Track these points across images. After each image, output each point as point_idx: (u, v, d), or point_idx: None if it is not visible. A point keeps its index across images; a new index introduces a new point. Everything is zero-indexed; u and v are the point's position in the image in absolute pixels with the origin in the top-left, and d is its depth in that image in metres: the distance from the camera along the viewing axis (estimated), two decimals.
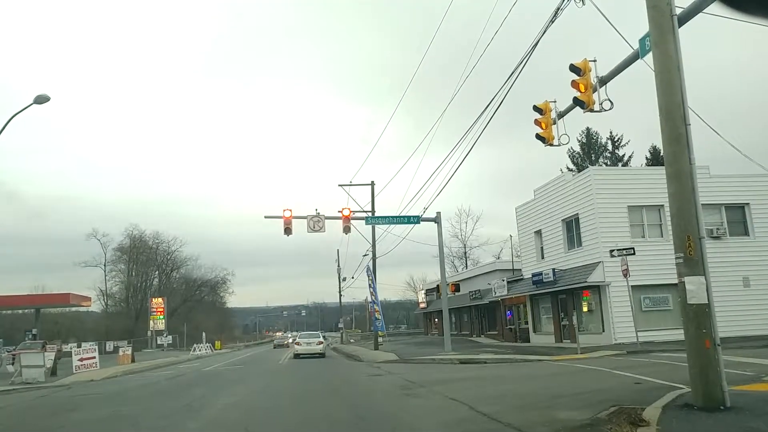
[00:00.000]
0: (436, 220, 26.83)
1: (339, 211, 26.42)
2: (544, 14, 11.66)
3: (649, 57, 8.38)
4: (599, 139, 52.74)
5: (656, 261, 22.56)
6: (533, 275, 30.30)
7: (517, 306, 35.27)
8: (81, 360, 26.73)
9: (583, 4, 10.53)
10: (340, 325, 71.25)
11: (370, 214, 32.10)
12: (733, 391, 7.63)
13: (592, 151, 52.60)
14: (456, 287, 31.80)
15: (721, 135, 11.54)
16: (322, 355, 31.68)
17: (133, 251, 77.28)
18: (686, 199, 7.69)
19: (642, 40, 8.94)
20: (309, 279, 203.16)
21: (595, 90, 10.87)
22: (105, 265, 75.16)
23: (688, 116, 7.83)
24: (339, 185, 33.96)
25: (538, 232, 31.79)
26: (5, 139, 36.34)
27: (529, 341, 31.82)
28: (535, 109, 12.78)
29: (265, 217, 26.46)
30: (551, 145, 12.56)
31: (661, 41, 8.00)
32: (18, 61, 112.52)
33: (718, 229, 25.51)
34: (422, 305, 65.15)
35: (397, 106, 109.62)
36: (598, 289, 25.47)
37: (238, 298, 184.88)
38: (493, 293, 36.25)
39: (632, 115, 79.57)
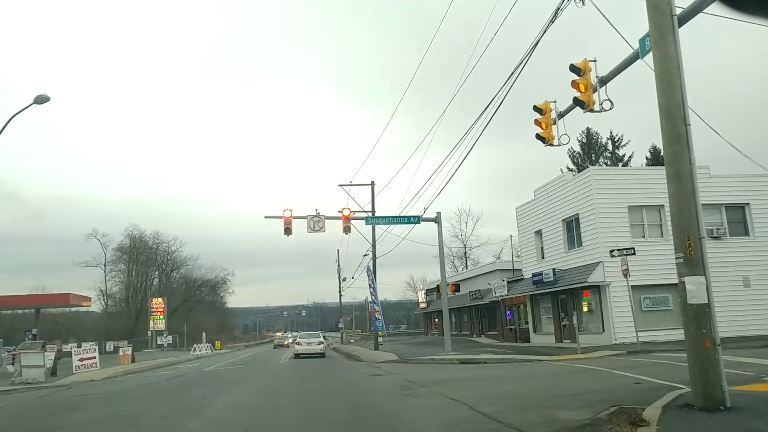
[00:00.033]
0: (436, 220, 26.83)
1: (339, 211, 26.44)
2: (544, 14, 11.67)
3: (649, 57, 8.38)
4: (599, 139, 52.77)
5: (656, 261, 22.56)
6: (533, 275, 30.30)
7: (517, 306, 35.27)
8: (81, 360, 26.74)
9: (583, 4, 10.53)
10: (340, 325, 71.25)
11: (370, 214, 32.10)
12: (733, 391, 7.63)
13: (592, 151, 52.60)
14: (456, 287, 31.79)
15: (721, 135, 11.55)
16: (322, 355, 31.74)
17: (133, 251, 77.31)
18: (686, 199, 7.69)
19: (642, 40, 8.94)
20: (309, 279, 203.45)
21: (595, 90, 10.87)
22: (105, 265, 75.31)
23: (688, 116, 7.83)
24: (339, 185, 34.01)
25: (539, 232, 31.79)
26: (5, 139, 36.35)
27: (529, 341, 31.81)
28: (535, 109, 12.78)
29: (265, 217, 26.48)
30: (551, 145, 12.56)
31: (661, 41, 8.00)
32: (18, 61, 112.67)
33: (718, 229, 25.51)
34: (422, 305, 65.15)
35: (397, 106, 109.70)
36: (598, 289, 25.47)
37: (238, 298, 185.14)
38: (493, 293, 36.25)
39: (632, 115, 79.63)
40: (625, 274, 21.04)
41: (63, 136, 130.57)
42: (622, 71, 10.51)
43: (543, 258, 31.24)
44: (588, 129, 52.68)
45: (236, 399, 12.68)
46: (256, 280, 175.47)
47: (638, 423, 6.91)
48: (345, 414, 9.86)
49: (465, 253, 68.96)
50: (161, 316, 67.69)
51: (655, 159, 47.66)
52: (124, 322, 69.88)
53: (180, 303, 79.27)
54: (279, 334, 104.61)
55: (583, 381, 12.54)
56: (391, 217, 28.08)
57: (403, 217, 27.46)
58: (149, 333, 66.86)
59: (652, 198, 24.55)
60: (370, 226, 32.86)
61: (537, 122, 12.76)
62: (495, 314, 40.02)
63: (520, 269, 35.56)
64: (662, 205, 24.07)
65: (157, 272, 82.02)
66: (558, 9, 11.01)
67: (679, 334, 9.45)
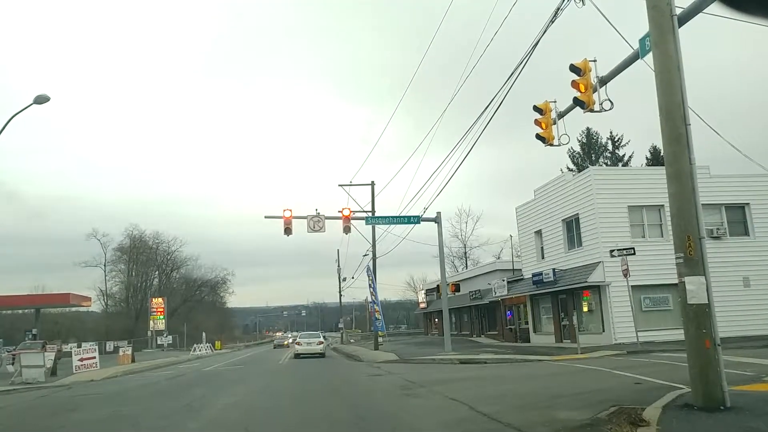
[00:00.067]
0: (436, 220, 26.82)
1: (339, 211, 26.44)
2: (544, 14, 11.67)
3: (649, 57, 8.38)
4: (599, 139, 52.77)
5: (656, 261, 22.57)
6: (533, 275, 30.30)
7: (517, 306, 35.27)
8: (81, 360, 26.73)
9: (583, 4, 10.53)
10: (340, 325, 71.24)
11: (370, 214, 32.10)
12: (733, 391, 7.63)
13: (592, 151, 52.59)
14: (456, 287, 31.79)
15: (721, 135, 11.55)
16: (322, 355, 31.82)
17: (133, 251, 77.32)
18: (686, 199, 7.69)
19: (642, 40, 8.94)
20: (309, 279, 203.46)
21: (595, 90, 10.87)
22: (105, 265, 75.32)
23: (688, 116, 7.84)
24: (339, 185, 34.01)
25: (539, 232, 31.79)
26: (5, 139, 36.35)
27: (529, 341, 31.81)
28: (535, 109, 12.78)
29: (265, 217, 26.48)
30: (551, 145, 12.56)
31: (661, 41, 8.00)
32: (18, 61, 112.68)
33: (718, 229, 25.51)
34: (422, 305, 65.15)
35: (397, 107, 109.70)
36: (598, 289, 25.47)
37: (238, 298, 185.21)
38: (494, 293, 36.25)
39: (632, 115, 79.65)
40: (625, 274, 21.04)
41: (63, 136, 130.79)
42: (622, 71, 10.51)
43: (543, 258, 31.24)
44: (588, 129, 52.76)
45: (236, 399, 12.68)
46: (256, 280, 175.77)
47: (638, 423, 6.91)
48: (345, 414, 9.86)
49: (465, 253, 69.03)
50: (161, 316, 67.70)
51: (655, 159, 47.66)
52: (124, 322, 69.89)
53: (180, 303, 79.28)
54: (279, 334, 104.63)
55: (583, 381, 12.54)
56: (391, 217, 28.07)
57: (403, 217, 27.45)
58: (149, 333, 66.87)
59: (652, 198, 24.55)
60: (370, 226, 32.87)
61: (537, 122, 12.76)
62: (495, 314, 40.02)
63: (520, 269, 35.56)
64: (662, 205, 24.07)
65: (157, 272, 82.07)
66: (558, 9, 11.01)
67: (679, 334, 9.45)
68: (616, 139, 52.05)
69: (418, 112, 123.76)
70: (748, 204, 26.50)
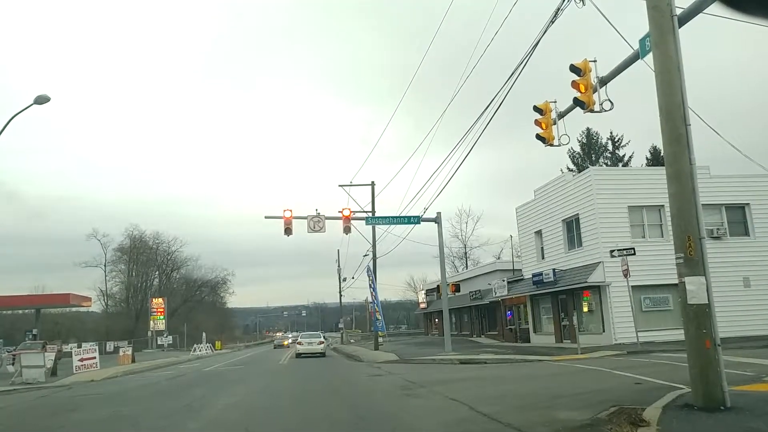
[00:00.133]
0: (437, 220, 26.82)
1: (339, 212, 26.44)
2: (544, 14, 11.67)
3: (650, 57, 8.38)
4: (599, 140, 52.77)
5: (656, 261, 22.56)
6: (533, 275, 30.30)
7: (518, 306, 35.27)
8: (81, 360, 26.73)
9: (583, 4, 10.53)
10: (341, 326, 71.23)
11: (370, 215, 32.10)
12: (733, 392, 7.62)
13: (592, 152, 52.60)
14: (456, 287, 31.79)
15: (721, 135, 11.55)
16: (322, 355, 32.10)
17: (134, 251, 77.34)
18: (686, 200, 7.69)
19: (642, 41, 8.94)
20: (309, 279, 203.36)
21: (595, 90, 10.87)
22: (105, 266, 75.35)
23: (688, 116, 7.84)
24: (339, 185, 34.00)
25: (539, 233, 31.79)
26: (5, 139, 36.32)
27: (529, 341, 31.81)
28: (536, 109, 12.78)
29: (266, 217, 26.47)
30: (551, 145, 12.56)
31: (662, 41, 8.00)
32: (18, 61, 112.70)
33: (718, 229, 25.51)
34: (422, 305, 65.15)
35: (397, 107, 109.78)
36: (598, 289, 25.46)
37: (238, 298, 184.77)
38: (494, 293, 36.25)
39: (632, 116, 79.65)
40: (626, 274, 21.04)
41: (63, 136, 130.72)
42: (622, 71, 10.51)
43: (543, 258, 31.24)
44: (588, 129, 52.76)
45: (236, 399, 12.69)
46: (256, 280, 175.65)
47: (638, 423, 6.91)
48: (345, 414, 9.86)
49: (465, 253, 69.01)
50: (161, 317, 67.72)
51: (655, 159, 47.66)
52: (125, 323, 69.90)
53: (180, 303, 79.29)
54: (279, 334, 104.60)
55: (583, 381, 12.54)
56: (392, 217, 28.07)
57: (403, 217, 27.45)
58: (149, 333, 66.88)
59: (653, 198, 24.55)
60: (370, 227, 32.89)
61: (537, 122, 12.76)
62: (495, 314, 40.02)
63: (520, 269, 35.56)
64: (662, 206, 24.08)
65: (157, 272, 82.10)
66: (558, 9, 11.01)
67: (679, 335, 9.44)
68: (616, 140, 52.07)
69: (418, 112, 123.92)
70: (748, 204, 26.49)
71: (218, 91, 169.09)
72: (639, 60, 9.42)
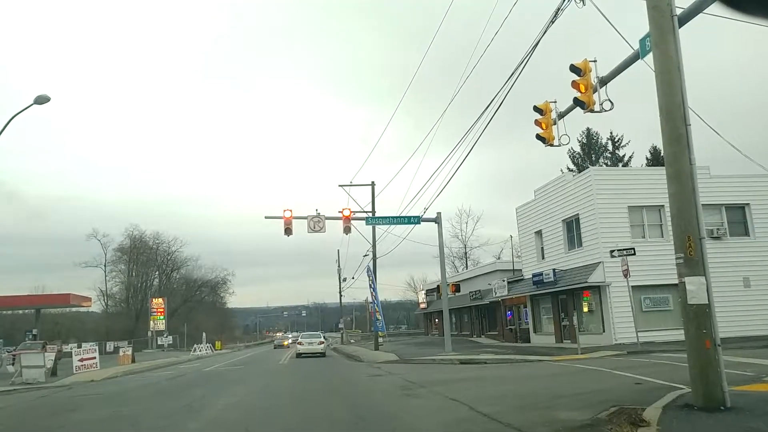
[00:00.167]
0: (437, 220, 26.82)
1: (339, 212, 26.44)
2: (544, 14, 11.67)
3: (650, 57, 8.38)
4: (599, 140, 52.75)
5: (656, 261, 22.56)
6: (534, 275, 30.30)
7: (518, 306, 35.26)
8: (81, 360, 26.73)
9: (584, 4, 10.53)
10: (341, 326, 71.22)
11: (370, 215, 32.09)
12: (733, 392, 7.62)
13: (592, 152, 52.59)
14: (456, 287, 31.78)
15: (721, 135, 11.55)
16: (323, 355, 32.18)
17: (134, 251, 77.35)
18: (686, 200, 7.69)
19: (642, 41, 8.94)
20: (309, 279, 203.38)
21: (595, 90, 10.87)
22: (105, 266, 75.37)
23: (688, 116, 7.83)
24: (339, 185, 33.99)
25: (539, 233, 31.79)
26: (5, 139, 36.33)
27: (529, 341, 31.81)
28: (536, 109, 12.78)
29: (266, 217, 26.47)
30: (551, 145, 12.56)
31: (662, 41, 8.00)
32: (18, 61, 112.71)
33: (718, 229, 25.50)
34: (422, 305, 65.14)
35: (397, 107, 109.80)
36: (598, 289, 25.46)
37: (238, 298, 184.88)
38: (494, 293, 36.25)
39: (632, 116, 79.65)
40: (626, 274, 21.03)
41: (63, 136, 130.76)
42: (622, 71, 10.51)
43: (543, 258, 31.24)
44: (588, 129, 52.75)
45: (236, 399, 12.69)
46: (256, 280, 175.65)
47: (638, 423, 6.91)
48: (345, 414, 9.86)
49: (465, 253, 69.01)
50: (161, 317, 67.71)
51: (655, 159, 47.65)
52: (125, 323, 69.90)
53: (180, 303, 79.28)
54: (279, 334, 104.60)
55: (583, 381, 12.54)
56: (392, 217, 28.06)
57: (404, 217, 27.45)
58: (149, 333, 66.87)
59: (653, 198, 24.55)
60: (371, 227, 32.88)
61: (537, 122, 12.76)
62: (495, 314, 40.02)
63: (521, 269, 35.55)
64: (662, 206, 24.07)
65: (157, 272, 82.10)
66: (558, 9, 11.01)
67: (679, 335, 9.44)
68: (616, 140, 52.06)
69: (418, 112, 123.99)
70: (748, 204, 26.49)
71: (218, 91, 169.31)
72: (639, 60, 9.42)
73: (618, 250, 21.45)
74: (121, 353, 35.03)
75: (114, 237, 75.80)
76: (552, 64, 21.48)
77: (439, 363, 21.02)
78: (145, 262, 79.44)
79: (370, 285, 36.72)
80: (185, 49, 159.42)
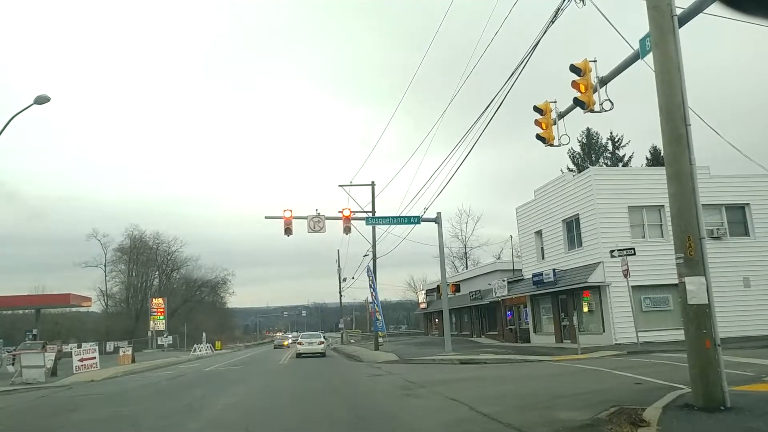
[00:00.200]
0: (437, 220, 26.82)
1: (339, 212, 26.45)
2: (544, 14, 11.67)
3: (650, 57, 8.38)
4: (599, 140, 52.76)
5: (656, 261, 22.56)
6: (534, 275, 30.30)
7: (518, 306, 35.26)
8: (81, 360, 26.73)
9: (584, 4, 10.53)
10: (341, 326, 71.22)
11: (370, 215, 32.09)
12: (733, 392, 7.62)
13: (592, 152, 52.59)
14: (456, 287, 31.78)
15: (721, 135, 11.55)
16: (323, 355, 32.23)
17: (134, 251, 77.35)
18: (686, 200, 7.69)
19: (642, 41, 8.93)
20: (309, 279, 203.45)
21: (595, 90, 10.87)
22: (105, 266, 75.37)
23: (688, 117, 7.83)
24: (339, 185, 33.99)
25: (539, 233, 31.79)
26: (5, 139, 36.33)
27: (529, 341, 31.81)
28: (536, 109, 12.78)
29: (266, 217, 26.47)
30: (551, 145, 12.56)
31: (662, 41, 8.00)
32: (18, 61, 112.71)
33: (718, 229, 25.50)
34: (422, 305, 65.14)
35: (397, 107, 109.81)
36: (598, 289, 25.46)
37: (238, 298, 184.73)
38: (494, 293, 36.25)
39: (632, 116, 79.67)
40: (626, 274, 21.03)
41: (63, 136, 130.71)
42: (622, 71, 10.51)
43: (543, 258, 31.24)
44: (588, 129, 52.75)
45: (236, 399, 12.69)
46: (256, 280, 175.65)
47: (638, 423, 6.91)
48: (345, 414, 9.86)
49: (465, 253, 69.01)
50: (161, 317, 67.70)
51: (655, 159, 47.65)
52: (125, 323, 69.90)
53: (180, 303, 79.28)
54: (279, 334, 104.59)
55: (583, 381, 12.54)
56: (392, 217, 28.06)
57: (404, 217, 27.45)
58: (149, 333, 66.87)
59: (653, 198, 24.55)
60: (371, 227, 32.88)
61: (537, 122, 12.76)
62: (495, 314, 40.02)
63: (521, 269, 35.55)
64: (662, 206, 24.07)
65: (157, 272, 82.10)
66: (558, 9, 11.01)
67: (679, 335, 9.44)
68: (616, 140, 52.06)
69: (418, 112, 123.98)
70: (748, 204, 26.49)
71: (218, 91, 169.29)
72: (639, 60, 9.42)
73: (618, 250, 21.45)
74: (121, 353, 35.03)
75: (114, 237, 75.96)
76: (552, 64, 21.49)
77: (439, 363, 21.02)
78: (145, 262, 79.46)
79: (370, 285, 36.73)
80: (185, 49, 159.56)
